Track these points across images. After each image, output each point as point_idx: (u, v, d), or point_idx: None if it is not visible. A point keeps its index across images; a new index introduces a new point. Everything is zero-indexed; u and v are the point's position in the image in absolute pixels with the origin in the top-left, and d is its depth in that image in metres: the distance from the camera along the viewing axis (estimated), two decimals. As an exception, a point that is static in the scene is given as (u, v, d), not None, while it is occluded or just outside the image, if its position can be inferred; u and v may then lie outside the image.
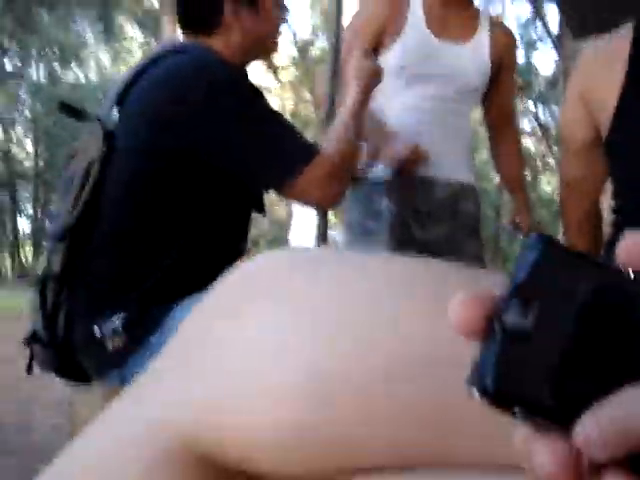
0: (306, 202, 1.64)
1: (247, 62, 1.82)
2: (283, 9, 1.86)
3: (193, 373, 0.47)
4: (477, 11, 2.60)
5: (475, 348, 0.31)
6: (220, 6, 1.70)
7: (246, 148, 1.52)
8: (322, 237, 2.31)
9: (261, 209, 1.69)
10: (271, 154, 1.53)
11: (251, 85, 1.60)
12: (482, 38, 2.53)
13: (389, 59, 2.34)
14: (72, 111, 1.66)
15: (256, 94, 1.59)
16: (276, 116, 1.60)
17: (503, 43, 2.58)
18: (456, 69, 2.46)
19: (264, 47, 1.84)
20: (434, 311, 0.42)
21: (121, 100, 1.60)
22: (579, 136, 1.78)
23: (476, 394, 0.30)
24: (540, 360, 0.30)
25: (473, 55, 2.51)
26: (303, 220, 7.59)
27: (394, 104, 2.41)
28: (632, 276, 0.31)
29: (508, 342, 0.30)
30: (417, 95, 2.42)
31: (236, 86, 1.56)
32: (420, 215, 2.42)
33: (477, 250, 2.55)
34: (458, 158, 2.51)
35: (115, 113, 1.59)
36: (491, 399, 0.30)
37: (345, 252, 0.56)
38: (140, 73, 1.61)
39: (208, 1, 1.73)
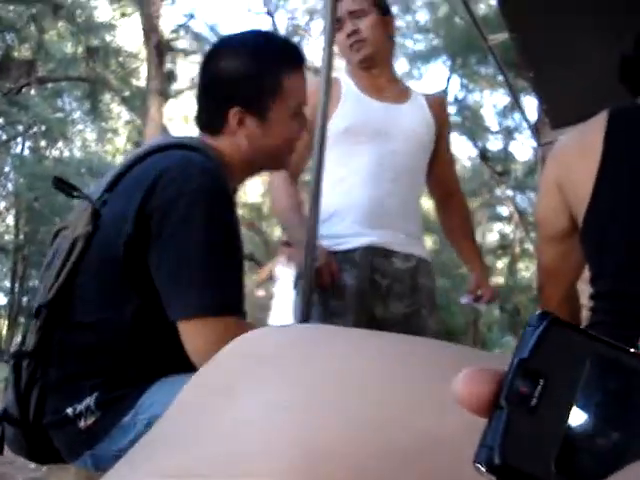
0: (188, 347, 1.47)
1: (253, 170, 1.80)
2: (301, 124, 1.81)
3: (185, 451, 0.47)
4: (401, 80, 2.75)
5: (475, 428, 0.31)
6: (226, 112, 1.70)
7: (178, 263, 1.47)
8: (304, 319, 2.28)
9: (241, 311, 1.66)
10: (197, 282, 1.46)
11: (224, 206, 1.56)
12: (418, 99, 2.64)
13: (331, 126, 2.37)
14: (65, 187, 1.67)
15: (227, 218, 1.55)
16: (229, 251, 1.54)
17: (438, 104, 2.70)
18: (402, 124, 2.53)
19: (271, 160, 1.80)
20: (430, 392, 0.42)
21: (111, 187, 1.62)
22: (555, 224, 1.80)
23: (484, 471, 0.30)
24: (547, 434, 0.30)
25: (416, 111, 2.60)
26: (283, 301, 7.52)
27: (342, 170, 2.45)
28: (632, 350, 0.31)
29: (514, 417, 0.30)
30: (371, 152, 2.48)
31: (205, 204, 1.51)
32: (380, 289, 2.40)
33: (439, 327, 2.57)
34: (413, 229, 2.54)
35: (105, 197, 1.60)
36: (499, 475, 0.30)
37: (339, 330, 0.56)
38: (134, 163, 1.63)
39: (215, 105, 1.73)
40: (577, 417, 0.30)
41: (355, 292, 2.37)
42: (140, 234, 1.48)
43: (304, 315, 2.22)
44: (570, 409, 0.30)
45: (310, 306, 2.25)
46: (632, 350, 0.31)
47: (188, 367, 1.36)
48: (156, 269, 1.49)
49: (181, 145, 1.67)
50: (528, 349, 0.31)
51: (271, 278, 7.81)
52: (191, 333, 1.47)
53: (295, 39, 21.59)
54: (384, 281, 2.42)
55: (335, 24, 2.41)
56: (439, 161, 2.66)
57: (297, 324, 2.02)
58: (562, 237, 1.80)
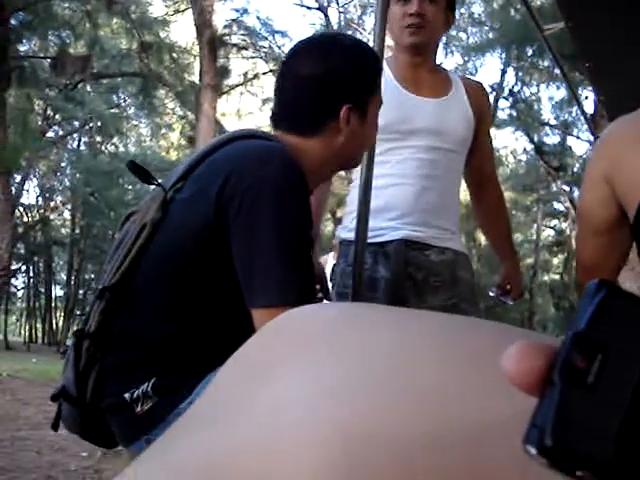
0: None
1: (327, 174, 1.83)
2: (377, 126, 1.86)
3: (220, 434, 0.46)
4: (446, 72, 2.62)
5: (528, 407, 0.29)
6: (337, 110, 1.69)
7: (256, 251, 1.49)
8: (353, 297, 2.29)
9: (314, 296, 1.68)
10: (267, 275, 1.48)
11: (302, 195, 1.56)
12: (458, 92, 2.54)
13: None
14: (140, 172, 1.69)
15: (301, 209, 1.55)
16: (303, 240, 1.55)
17: (479, 95, 2.59)
18: (442, 120, 2.45)
19: (352, 159, 1.84)
20: (482, 373, 0.40)
21: (187, 175, 1.63)
22: (600, 215, 1.76)
23: (534, 452, 0.28)
24: (604, 415, 0.28)
25: (455, 106, 2.50)
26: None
27: (379, 166, 2.34)
28: None
29: (569, 395, 0.28)
30: (408, 149, 2.44)
31: (285, 197, 1.52)
32: (414, 282, 2.38)
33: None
34: (450, 224, 2.48)
35: (178, 185, 1.62)
36: (550, 457, 0.27)
37: (379, 307, 0.54)
38: (211, 152, 1.64)
39: (326, 104, 1.70)
40: (639, 397, 0.27)
41: (389, 284, 2.36)
42: (215, 223, 1.50)
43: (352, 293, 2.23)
44: (632, 386, 0.28)
45: (362, 278, 2.26)
46: None
47: None
48: (236, 258, 1.50)
49: (258, 136, 1.68)
50: (585, 321, 0.29)
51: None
52: (262, 322, 1.47)
53: (348, 33, 21.55)
54: (419, 274, 2.39)
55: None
56: (477, 150, 2.58)
57: (343, 302, 2.02)
58: (606, 229, 1.77)
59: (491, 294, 2.66)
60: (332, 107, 1.69)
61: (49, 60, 16.14)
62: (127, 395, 1.50)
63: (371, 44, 2.09)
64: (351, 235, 2.30)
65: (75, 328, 1.65)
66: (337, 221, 19.05)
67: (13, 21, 14.36)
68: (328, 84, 1.70)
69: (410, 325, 0.46)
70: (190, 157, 1.71)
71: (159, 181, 1.68)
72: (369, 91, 1.76)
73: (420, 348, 0.43)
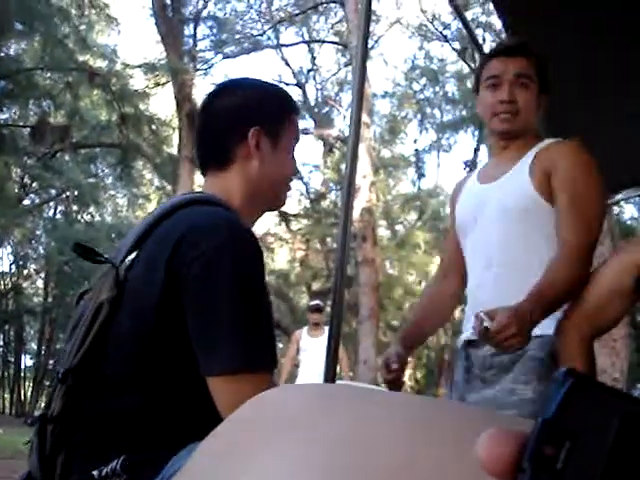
0: (219, 404, 1.45)
1: (256, 207, 1.82)
2: (294, 160, 1.88)
3: None
4: (533, 141, 2.37)
5: None
6: (245, 134, 1.74)
7: (210, 319, 1.47)
8: (329, 378, 2.27)
9: (275, 362, 1.65)
10: (228, 339, 1.45)
11: (255, 257, 1.56)
12: (527, 159, 2.31)
13: None
14: (86, 252, 1.68)
15: (255, 272, 1.55)
16: (259, 308, 1.53)
17: (551, 150, 2.29)
18: (491, 203, 2.34)
19: (273, 191, 1.83)
20: (456, 456, 0.41)
21: (135, 247, 1.63)
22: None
23: None
24: None
25: (511, 180, 2.32)
26: (310, 370, 7.47)
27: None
28: None
29: None
30: (469, 242, 2.43)
31: (241, 257, 1.52)
32: (475, 379, 2.36)
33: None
34: None
35: (130, 257, 1.62)
36: None
37: (360, 389, 0.54)
38: (157, 222, 1.64)
39: (231, 130, 1.76)
40: None
41: (458, 386, 2.35)
42: (170, 294, 1.49)
43: (329, 373, 2.21)
44: (600, 472, 0.29)
45: (336, 360, 2.26)
46: None
47: None
48: (190, 328, 1.48)
49: (203, 201, 1.69)
50: (553, 409, 0.30)
51: (298, 349, 7.80)
52: (220, 390, 1.46)
53: (325, 110, 21.92)
54: (476, 370, 2.30)
55: (489, 79, 2.35)
56: (557, 202, 2.22)
57: (318, 383, 2.00)
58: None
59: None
60: (240, 131, 1.74)
61: (29, 129, 16.21)
62: (95, 472, 1.46)
63: (348, 120, 2.13)
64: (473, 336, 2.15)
65: (38, 412, 1.63)
66: (312, 294, 19.03)
67: (-6, 90, 14.48)
68: (235, 111, 1.78)
69: (384, 408, 0.47)
70: (136, 228, 1.70)
71: (107, 257, 1.68)
72: (278, 119, 1.80)
73: (393, 431, 0.44)
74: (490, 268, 2.30)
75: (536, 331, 2.03)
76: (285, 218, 20.28)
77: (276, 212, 19.28)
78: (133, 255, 1.64)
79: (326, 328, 7.35)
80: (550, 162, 2.25)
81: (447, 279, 2.60)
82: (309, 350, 7.62)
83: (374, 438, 0.44)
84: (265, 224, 20.30)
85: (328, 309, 2.49)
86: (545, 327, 2.06)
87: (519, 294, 2.03)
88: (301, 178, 21.90)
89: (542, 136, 2.43)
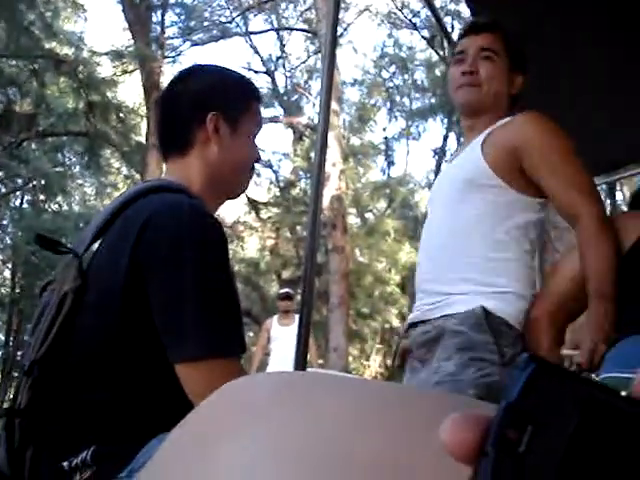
0: (189, 391, 1.46)
1: (216, 193, 1.81)
2: (256, 146, 1.88)
3: None
4: (498, 120, 2.27)
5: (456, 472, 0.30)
6: (203, 117, 1.76)
7: (175, 306, 1.47)
8: (299, 366, 2.27)
9: (243, 348, 1.65)
10: (193, 324, 1.46)
11: (219, 243, 1.57)
12: (482, 136, 2.23)
13: None
14: (49, 243, 1.67)
15: (219, 258, 1.55)
16: (225, 293, 1.54)
17: (507, 130, 2.18)
18: (444, 183, 2.34)
19: (232, 177, 1.82)
20: (421, 440, 0.41)
21: (98, 236, 1.62)
22: None
23: None
24: None
25: (465, 154, 2.28)
26: (281, 359, 7.47)
27: None
28: (624, 394, 0.30)
29: (501, 465, 0.29)
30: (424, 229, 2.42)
31: (205, 242, 1.53)
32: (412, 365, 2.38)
33: None
34: (450, 288, 2.16)
35: (93, 247, 1.61)
36: None
37: (330, 376, 0.54)
38: (119, 210, 1.63)
39: (190, 114, 1.77)
40: (566, 464, 0.29)
41: (407, 370, 2.27)
42: (135, 281, 1.48)
43: (299, 361, 2.22)
44: (560, 456, 0.29)
45: (307, 348, 2.25)
46: (624, 394, 0.30)
47: None
48: (155, 315, 1.48)
49: (165, 187, 1.68)
50: (515, 393, 0.30)
51: (268, 338, 7.80)
52: (188, 376, 1.46)
53: (294, 97, 21.87)
54: (415, 352, 2.22)
55: (455, 56, 2.34)
56: (544, 189, 2.12)
57: (286, 371, 2.01)
58: None
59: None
60: (199, 116, 1.76)
61: (-6, 117, 15.99)
62: (65, 464, 1.46)
63: (317, 108, 2.13)
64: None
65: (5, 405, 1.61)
66: (282, 282, 19.03)
67: (-42, 78, 14.26)
68: (194, 96, 1.79)
69: (351, 395, 0.47)
70: (99, 216, 1.70)
71: (69, 247, 1.67)
72: (238, 105, 1.82)
73: (361, 418, 0.44)
74: (431, 240, 2.27)
75: (459, 308, 2.05)
76: (255, 206, 20.23)
77: (246, 200, 19.25)
78: (96, 244, 1.63)
79: (296, 316, 7.36)
80: (509, 136, 2.15)
81: None
82: (279, 339, 7.64)
83: (344, 425, 0.44)
84: (235, 212, 20.27)
85: (298, 297, 2.48)
86: (468, 302, 2.05)
87: (454, 265, 2.14)
88: (270, 166, 21.88)
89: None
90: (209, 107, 1.77)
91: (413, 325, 2.22)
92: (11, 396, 1.64)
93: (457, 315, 2.03)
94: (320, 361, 11.79)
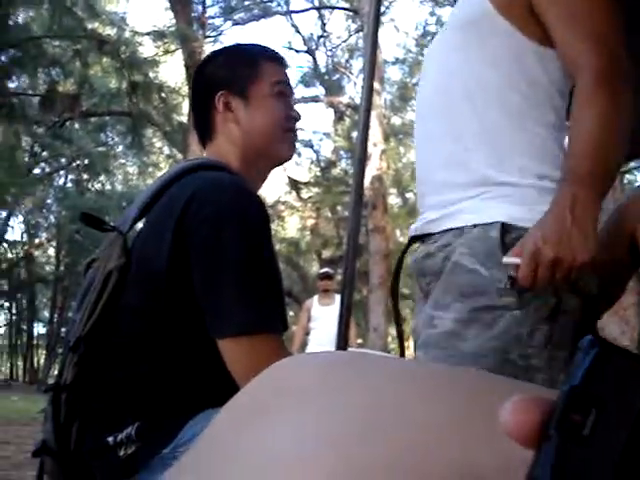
0: (231, 367, 1.47)
1: (262, 167, 1.80)
2: (282, 103, 1.81)
3: None
4: None
5: (514, 456, 0.30)
6: (212, 100, 1.76)
7: (217, 282, 1.48)
8: (341, 345, 2.27)
9: (285, 326, 1.65)
10: (235, 300, 1.47)
11: (261, 220, 1.56)
12: None
13: None
14: (93, 221, 1.69)
15: (261, 235, 1.55)
16: (267, 269, 1.54)
17: None
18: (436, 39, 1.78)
19: (265, 143, 1.77)
20: (475, 423, 0.40)
21: (142, 215, 1.64)
22: None
23: None
24: (599, 467, 0.28)
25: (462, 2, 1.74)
26: (320, 338, 7.51)
27: None
28: None
29: (565, 449, 0.29)
30: None
31: (248, 219, 1.53)
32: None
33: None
34: (449, 189, 1.63)
35: (137, 225, 1.62)
36: None
37: (375, 356, 0.54)
38: (163, 189, 1.64)
39: (203, 100, 1.78)
40: (632, 450, 0.29)
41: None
42: (178, 258, 1.49)
43: (341, 341, 2.22)
44: (625, 440, 0.29)
45: (348, 329, 2.21)
46: None
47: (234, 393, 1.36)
48: (198, 290, 1.49)
49: (208, 166, 1.69)
50: (579, 376, 0.30)
51: (309, 318, 7.84)
52: (231, 352, 1.47)
53: (335, 77, 21.79)
54: (418, 280, 1.71)
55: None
56: (547, 29, 1.54)
57: (332, 351, 2.00)
58: None
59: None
60: (210, 99, 1.76)
61: (38, 97, 16.18)
62: (110, 439, 1.48)
63: (358, 88, 2.11)
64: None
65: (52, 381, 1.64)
66: (322, 262, 19.04)
67: (3, 58, 14.43)
68: (202, 82, 1.82)
69: (400, 375, 0.47)
70: (142, 195, 1.71)
71: (114, 225, 1.68)
72: (244, 73, 1.78)
73: (410, 399, 0.43)
74: (422, 119, 1.71)
75: (468, 219, 1.52)
76: (295, 186, 20.26)
77: (287, 180, 19.26)
78: (140, 223, 1.65)
79: (336, 296, 7.41)
80: None
81: None
82: (320, 319, 7.66)
83: (387, 406, 0.44)
84: (276, 192, 20.31)
85: (338, 277, 2.48)
86: (479, 210, 1.51)
87: (451, 150, 1.58)
88: (311, 146, 21.87)
89: None
90: (215, 88, 1.77)
91: (417, 239, 1.71)
92: (56, 372, 1.67)
93: (466, 233, 1.50)
94: (359, 341, 11.80)
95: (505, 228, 1.45)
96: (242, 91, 1.75)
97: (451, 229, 1.54)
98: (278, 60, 1.85)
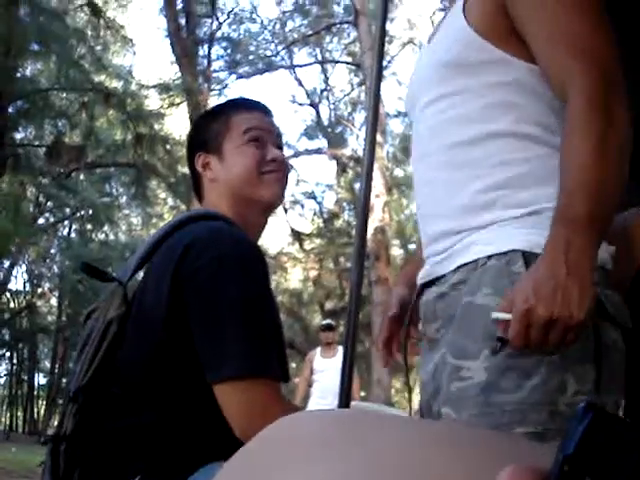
0: (226, 412, 1.47)
1: (253, 214, 1.80)
2: (258, 147, 1.80)
3: None
4: None
5: None
6: (194, 162, 1.81)
7: (213, 327, 1.49)
8: (344, 403, 2.25)
9: (286, 378, 1.65)
10: (231, 345, 1.47)
11: (258, 268, 1.58)
12: (458, 4, 1.53)
13: None
14: (95, 272, 1.70)
15: (258, 281, 1.56)
16: (264, 315, 1.54)
17: None
18: (420, 69, 1.66)
19: (246, 189, 1.77)
20: None
21: (142, 265, 1.65)
22: None
23: None
24: None
25: (443, 29, 1.60)
26: (323, 390, 7.45)
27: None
28: None
29: None
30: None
31: (245, 266, 1.54)
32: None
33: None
34: (455, 222, 1.49)
35: (137, 275, 1.63)
36: None
37: (381, 415, 0.53)
38: (163, 239, 1.65)
39: (190, 163, 1.84)
40: None
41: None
42: (176, 307, 1.50)
43: (343, 395, 2.20)
44: None
45: (351, 383, 2.19)
46: None
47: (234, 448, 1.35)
48: (195, 336, 1.49)
49: (206, 216, 1.70)
50: (573, 445, 0.30)
51: (311, 370, 7.79)
52: (226, 396, 1.46)
53: (338, 129, 21.98)
54: (422, 327, 1.59)
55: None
56: (531, 48, 1.42)
57: (336, 409, 1.98)
58: None
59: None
60: (192, 162, 1.83)
61: (44, 148, 16.32)
62: None
63: (361, 140, 2.13)
64: None
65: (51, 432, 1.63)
66: (325, 314, 18.99)
67: (11, 109, 14.59)
68: (187, 146, 1.90)
69: (405, 434, 0.46)
70: (143, 246, 1.73)
71: (114, 275, 1.69)
72: (216, 130, 1.82)
73: (416, 459, 0.43)
74: (423, 158, 1.58)
75: (482, 251, 1.37)
76: (298, 237, 20.28)
77: (289, 231, 19.29)
78: (141, 273, 1.66)
79: (339, 348, 7.37)
80: None
81: None
82: (323, 371, 7.61)
83: (392, 465, 0.43)
84: (278, 243, 20.33)
85: (341, 328, 2.47)
86: (494, 240, 1.37)
87: (461, 191, 1.45)
88: (314, 197, 21.94)
89: None
90: (195, 151, 1.84)
91: (426, 286, 1.56)
92: (56, 423, 1.65)
93: (482, 266, 1.36)
94: (362, 393, 11.70)
95: (526, 258, 1.31)
96: (218, 148, 1.80)
97: (464, 265, 1.40)
98: (249, 108, 1.87)
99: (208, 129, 1.84)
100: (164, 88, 17.51)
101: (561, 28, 1.35)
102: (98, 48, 17.08)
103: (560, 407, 1.24)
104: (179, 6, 17.09)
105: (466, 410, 1.30)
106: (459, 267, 1.41)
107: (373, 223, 12.53)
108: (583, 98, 1.28)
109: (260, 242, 1.87)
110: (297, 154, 19.87)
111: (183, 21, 17.11)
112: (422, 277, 1.56)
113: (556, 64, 1.35)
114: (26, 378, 26.43)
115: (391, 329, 1.69)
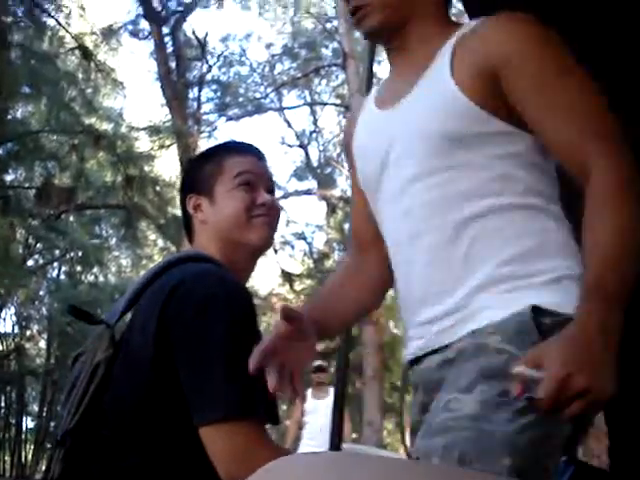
0: (211, 454, 1.46)
1: (242, 257, 1.81)
2: (248, 191, 1.81)
3: None
4: (438, 30, 1.54)
5: None
6: (186, 204, 1.84)
7: (199, 368, 1.48)
8: (334, 446, 2.23)
9: (276, 420, 1.63)
10: (216, 387, 1.47)
11: (245, 309, 1.58)
12: (442, 60, 1.47)
13: None
14: (82, 314, 1.70)
15: (245, 323, 1.56)
16: (250, 356, 1.49)
17: (480, 43, 1.44)
18: (396, 131, 1.52)
19: (235, 233, 1.79)
20: None
21: (130, 306, 1.65)
22: None
23: None
24: None
25: (424, 93, 1.49)
26: (314, 432, 7.39)
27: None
28: None
29: None
30: (384, 209, 1.59)
31: (231, 307, 1.54)
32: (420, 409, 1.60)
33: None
34: (456, 298, 1.46)
35: (124, 317, 1.63)
36: None
37: (370, 457, 0.53)
38: (151, 281, 1.66)
39: (183, 205, 1.87)
40: None
41: (413, 428, 1.57)
42: (163, 349, 1.50)
43: (335, 438, 2.18)
44: None
45: (342, 425, 2.17)
46: None
47: None
48: (182, 376, 1.48)
49: (195, 258, 1.72)
50: None
51: (302, 412, 7.74)
52: (211, 438, 1.45)
53: (327, 170, 22.09)
54: (421, 396, 1.52)
55: None
56: (536, 132, 1.42)
57: (326, 451, 1.97)
58: None
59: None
60: (184, 204, 1.86)
61: (34, 190, 16.32)
62: None
63: (350, 181, 2.14)
64: None
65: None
66: (316, 355, 18.85)
67: (1, 151, 14.63)
68: (180, 188, 1.94)
69: (392, 476, 0.46)
70: (131, 288, 1.74)
71: (101, 318, 1.69)
72: (208, 173, 1.84)
73: None
74: (419, 237, 1.47)
75: (491, 315, 1.36)
76: (289, 278, 20.26)
77: (279, 272, 19.27)
78: (129, 315, 1.66)
79: (330, 389, 7.32)
80: (485, 50, 1.42)
81: (362, 256, 1.76)
82: (313, 412, 7.56)
83: None
84: (269, 284, 20.29)
85: (332, 369, 2.46)
86: (504, 303, 1.37)
87: (468, 271, 1.41)
88: (304, 238, 21.97)
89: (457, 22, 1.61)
90: (187, 192, 1.86)
91: (418, 360, 1.54)
92: (44, 467, 1.64)
93: (489, 325, 1.35)
94: (354, 435, 11.60)
95: (536, 311, 1.31)
96: (209, 191, 1.81)
97: (472, 332, 1.37)
98: (242, 151, 1.89)
99: (201, 171, 1.85)
100: (154, 130, 17.61)
101: (572, 109, 1.37)
102: (89, 91, 17.18)
103: (548, 449, 1.27)
104: (169, 49, 17.29)
105: (452, 437, 1.24)
106: (467, 334, 1.39)
107: (363, 263, 12.51)
108: (612, 179, 1.30)
109: (250, 283, 1.87)
110: (287, 195, 19.94)
111: (173, 64, 17.29)
112: (418, 349, 1.51)
113: (574, 146, 1.36)
114: (14, 422, 26.10)
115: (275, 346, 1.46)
